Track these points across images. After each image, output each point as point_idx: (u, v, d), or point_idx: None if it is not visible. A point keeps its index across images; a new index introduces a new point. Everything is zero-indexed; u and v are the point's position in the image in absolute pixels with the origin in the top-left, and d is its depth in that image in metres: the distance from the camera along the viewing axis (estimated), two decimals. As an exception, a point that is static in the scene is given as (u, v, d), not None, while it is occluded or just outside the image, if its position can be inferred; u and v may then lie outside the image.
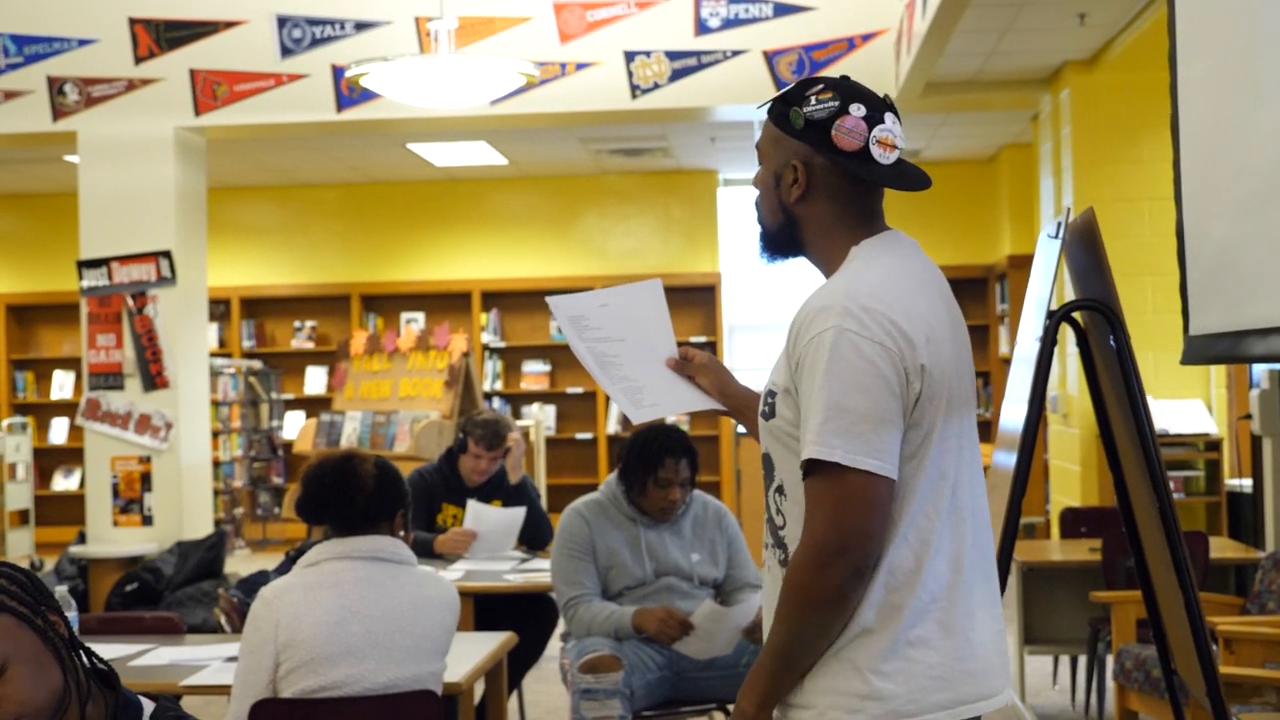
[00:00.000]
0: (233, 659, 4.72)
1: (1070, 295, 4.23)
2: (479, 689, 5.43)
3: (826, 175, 2.78)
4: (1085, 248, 3.93)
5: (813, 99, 2.76)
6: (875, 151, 2.75)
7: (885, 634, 2.64)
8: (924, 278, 2.77)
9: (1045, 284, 3.96)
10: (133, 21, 10.29)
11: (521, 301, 15.80)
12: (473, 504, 7.17)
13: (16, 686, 2.50)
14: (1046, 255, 4.08)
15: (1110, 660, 6.71)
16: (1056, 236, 3.96)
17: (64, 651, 2.57)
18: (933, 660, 2.66)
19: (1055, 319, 3.77)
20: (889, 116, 2.77)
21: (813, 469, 2.61)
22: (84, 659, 2.61)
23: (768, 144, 2.86)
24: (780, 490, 2.76)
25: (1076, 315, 3.92)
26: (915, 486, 2.67)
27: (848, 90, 2.78)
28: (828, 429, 2.58)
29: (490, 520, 7.16)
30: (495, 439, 7.24)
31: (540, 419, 13.05)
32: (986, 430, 15.02)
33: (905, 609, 2.65)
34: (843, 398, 2.59)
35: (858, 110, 2.75)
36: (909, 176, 2.81)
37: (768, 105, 2.86)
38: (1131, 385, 3.66)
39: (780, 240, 2.88)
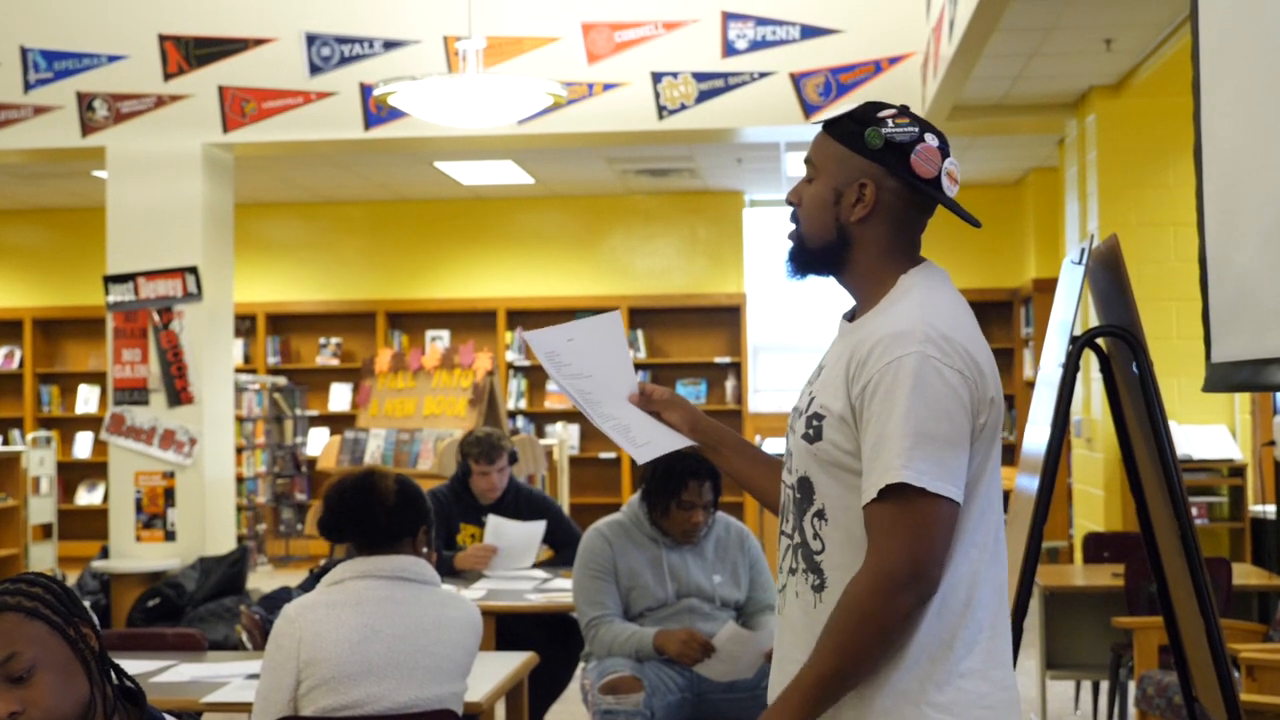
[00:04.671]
0: (254, 676, 4.73)
1: (1094, 320, 4.24)
2: (500, 709, 5.43)
3: (894, 199, 2.73)
4: (1109, 273, 3.93)
5: (890, 121, 2.71)
6: (944, 182, 2.73)
7: (939, 665, 2.61)
8: (970, 311, 2.75)
9: (1069, 309, 3.96)
10: (162, 38, 10.34)
11: (546, 321, 15.74)
12: (492, 518, 7.19)
13: (42, 692, 2.52)
14: (1070, 281, 4.09)
15: (1132, 686, 6.69)
16: (1080, 262, 3.97)
17: (93, 665, 2.59)
18: (983, 690, 2.63)
19: (1078, 345, 3.78)
20: (951, 152, 2.77)
21: (890, 493, 2.56)
22: (113, 675, 2.63)
23: (828, 160, 2.77)
24: (820, 515, 2.70)
25: (1100, 341, 3.92)
26: (970, 517, 2.64)
27: (919, 119, 2.75)
28: (916, 454, 2.54)
29: (510, 534, 7.17)
30: (492, 451, 7.26)
31: (564, 438, 13.08)
32: (1010, 454, 15.00)
33: (958, 640, 2.62)
34: (927, 423, 2.55)
35: (932, 140, 2.73)
36: (965, 212, 2.82)
37: (825, 122, 2.79)
38: (1153, 411, 3.67)
39: (823, 258, 2.79)
